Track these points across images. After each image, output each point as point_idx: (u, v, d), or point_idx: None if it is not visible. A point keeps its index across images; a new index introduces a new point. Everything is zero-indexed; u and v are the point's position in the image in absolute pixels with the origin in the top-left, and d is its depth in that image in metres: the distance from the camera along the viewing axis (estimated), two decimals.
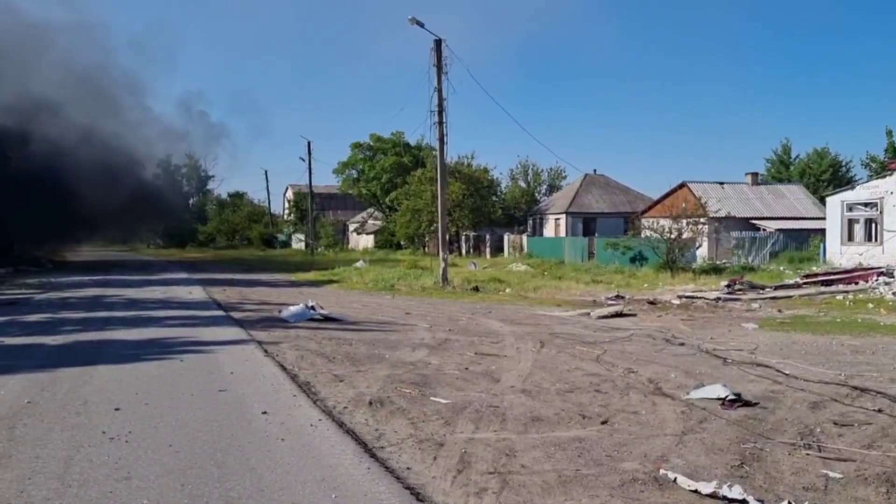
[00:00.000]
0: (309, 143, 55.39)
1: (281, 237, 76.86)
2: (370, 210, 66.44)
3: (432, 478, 5.88)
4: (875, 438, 6.87)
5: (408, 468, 6.12)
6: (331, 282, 29.61)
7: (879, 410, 7.88)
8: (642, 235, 34.48)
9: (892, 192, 28.59)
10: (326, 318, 16.31)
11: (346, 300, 21.76)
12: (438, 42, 26.03)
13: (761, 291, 22.24)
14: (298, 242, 70.67)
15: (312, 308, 16.85)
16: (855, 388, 8.99)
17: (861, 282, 23.15)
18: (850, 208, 30.56)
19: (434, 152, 33.10)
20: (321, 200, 73.60)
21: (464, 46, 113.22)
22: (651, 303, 20.28)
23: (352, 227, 71.78)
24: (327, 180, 71.33)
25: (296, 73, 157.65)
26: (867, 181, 32.04)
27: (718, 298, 20.67)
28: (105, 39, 58.47)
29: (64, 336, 13.93)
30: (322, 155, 62.68)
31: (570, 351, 12.10)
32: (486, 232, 52.92)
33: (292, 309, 16.90)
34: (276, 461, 6.26)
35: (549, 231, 52.92)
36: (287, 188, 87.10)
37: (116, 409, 8.00)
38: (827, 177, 55.43)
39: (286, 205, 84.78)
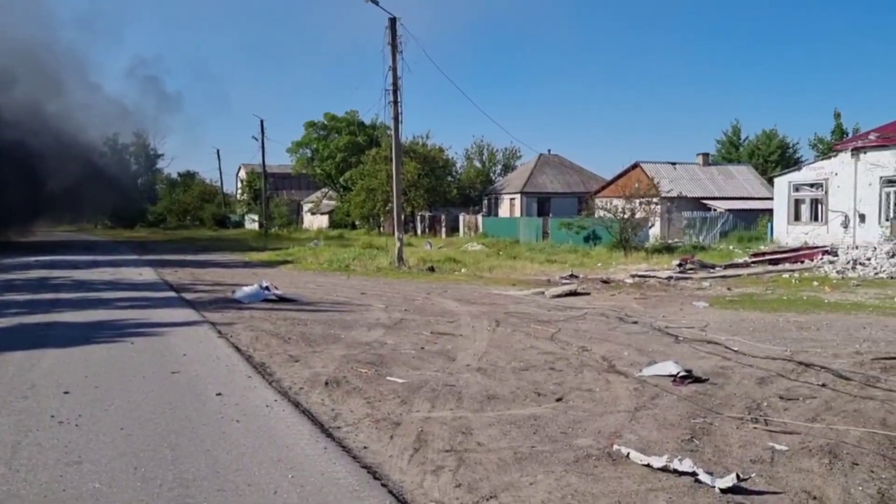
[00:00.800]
0: (262, 122, 54.63)
1: (234, 217, 75.74)
2: (324, 190, 65.84)
3: (389, 457, 5.89)
4: (819, 412, 7.08)
5: (364, 447, 6.12)
6: (285, 262, 29.31)
7: (823, 385, 8.12)
8: (596, 215, 34.84)
9: (836, 174, 29.34)
10: (281, 299, 16.16)
11: (301, 280, 21.59)
12: (393, 20, 25.76)
13: (711, 270, 22.69)
14: (252, 223, 69.80)
15: (267, 289, 16.66)
16: (800, 363, 9.25)
17: (807, 260, 23.80)
18: (797, 189, 31.31)
19: (389, 131, 32.84)
20: (275, 180, 72.69)
21: (419, 25, 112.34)
22: (604, 282, 20.54)
23: (306, 207, 71.11)
24: (281, 160, 70.63)
25: (249, 52, 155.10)
26: (814, 162, 32.82)
27: (670, 277, 21.02)
28: (48, 15, 56.31)
29: (9, 319, 13.54)
30: (276, 134, 62.36)
31: (524, 330, 12.20)
32: (441, 212, 52.95)
33: (246, 290, 16.70)
34: (232, 442, 6.20)
35: (504, 211, 53.16)
36: (240, 168, 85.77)
37: (66, 393, 7.83)
38: (775, 158, 56.61)
39: (239, 185, 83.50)
